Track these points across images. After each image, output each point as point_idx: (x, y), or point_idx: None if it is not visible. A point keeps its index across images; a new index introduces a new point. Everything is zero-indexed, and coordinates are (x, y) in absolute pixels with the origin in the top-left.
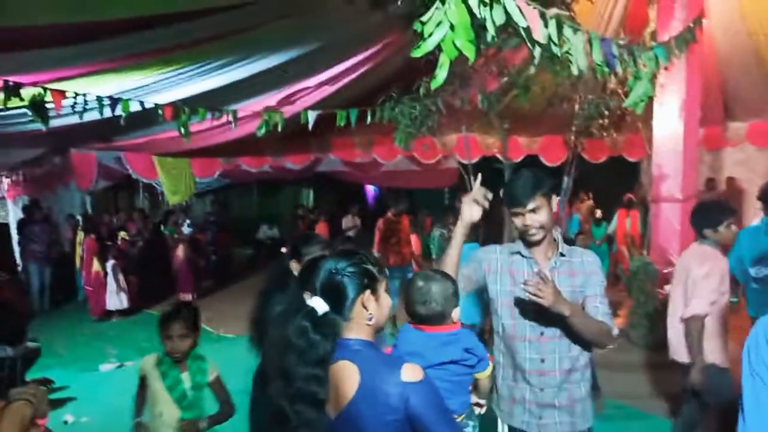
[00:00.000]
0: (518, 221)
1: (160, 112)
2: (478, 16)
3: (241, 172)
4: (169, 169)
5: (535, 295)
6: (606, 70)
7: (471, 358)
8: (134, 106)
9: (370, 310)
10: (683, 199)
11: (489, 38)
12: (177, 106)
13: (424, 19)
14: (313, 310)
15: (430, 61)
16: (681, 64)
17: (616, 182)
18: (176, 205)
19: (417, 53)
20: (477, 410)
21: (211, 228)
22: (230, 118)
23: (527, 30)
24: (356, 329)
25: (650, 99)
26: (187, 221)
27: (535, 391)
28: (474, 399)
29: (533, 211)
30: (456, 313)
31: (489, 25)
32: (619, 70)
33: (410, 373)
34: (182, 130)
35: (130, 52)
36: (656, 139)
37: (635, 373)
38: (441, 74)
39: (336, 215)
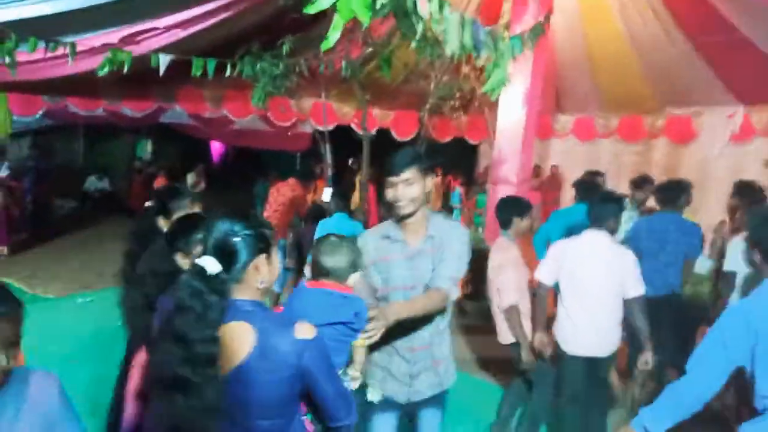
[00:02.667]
0: (390, 192)
1: None
2: None
3: (69, 114)
4: None
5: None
6: (474, 53)
7: (358, 323)
8: None
9: (263, 274)
10: (517, 182)
11: (378, 6)
12: (2, 31)
13: None
14: (203, 270)
15: (296, 18)
16: (528, 56)
17: (458, 162)
18: None
19: (310, 10)
20: (353, 384)
21: (29, 174)
22: (67, 51)
23: (414, 3)
24: (246, 291)
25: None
26: (6, 164)
27: (408, 364)
28: (350, 372)
29: (406, 182)
30: (353, 279)
31: None
32: (483, 55)
33: (304, 331)
34: (7, 59)
35: None
36: (499, 125)
37: (468, 341)
38: (333, 36)
39: (177, 171)
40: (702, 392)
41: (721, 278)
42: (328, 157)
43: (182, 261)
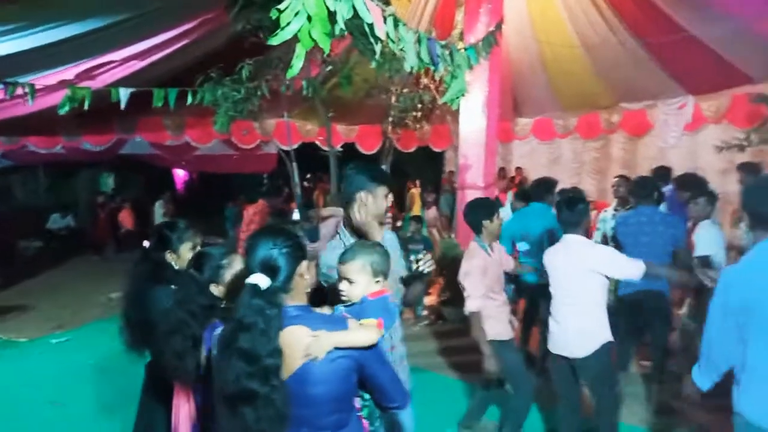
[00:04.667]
0: (357, 216)
1: None
2: (330, 8)
3: (28, 154)
4: None
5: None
6: (432, 67)
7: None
8: None
9: (308, 277)
10: (485, 186)
11: (338, 31)
12: None
13: (281, 7)
14: (256, 287)
15: (254, 42)
16: (484, 65)
17: (425, 170)
18: None
19: (273, 41)
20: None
21: None
22: (26, 90)
23: (371, 26)
24: (296, 298)
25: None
26: None
27: None
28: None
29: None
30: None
31: (339, 18)
32: (441, 69)
33: (355, 325)
34: None
35: None
36: (462, 132)
37: (448, 345)
38: (297, 64)
39: (142, 202)
40: (728, 354)
41: (696, 264)
42: (296, 176)
43: (216, 290)
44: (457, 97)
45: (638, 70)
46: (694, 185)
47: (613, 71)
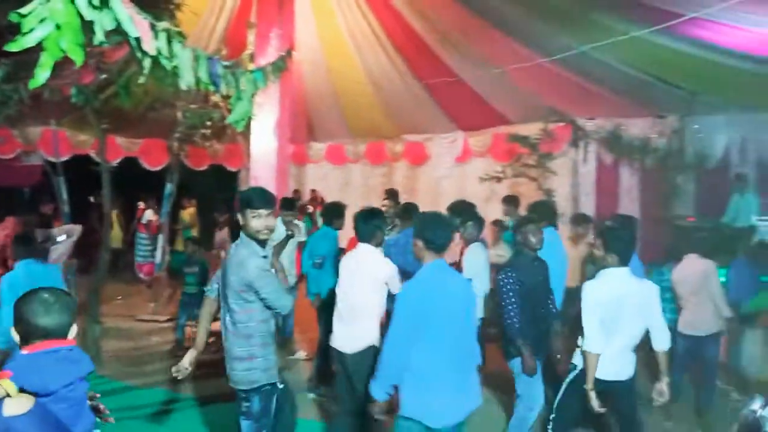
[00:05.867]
0: (259, 222)
1: None
2: (86, 18)
3: None
4: None
5: None
6: (211, 87)
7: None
8: None
9: None
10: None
11: (97, 42)
12: None
13: (24, 11)
14: None
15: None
16: (275, 88)
17: (217, 189)
18: None
19: (13, 47)
20: None
21: None
22: None
23: (138, 40)
24: None
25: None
26: None
27: None
28: None
29: (270, 214)
30: (73, 331)
31: (98, 29)
32: (222, 89)
33: (14, 407)
34: None
35: None
36: (253, 153)
37: None
38: (41, 74)
39: None
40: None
41: None
42: (63, 192)
43: None
44: (243, 119)
45: (418, 107)
46: (464, 211)
47: (397, 106)
